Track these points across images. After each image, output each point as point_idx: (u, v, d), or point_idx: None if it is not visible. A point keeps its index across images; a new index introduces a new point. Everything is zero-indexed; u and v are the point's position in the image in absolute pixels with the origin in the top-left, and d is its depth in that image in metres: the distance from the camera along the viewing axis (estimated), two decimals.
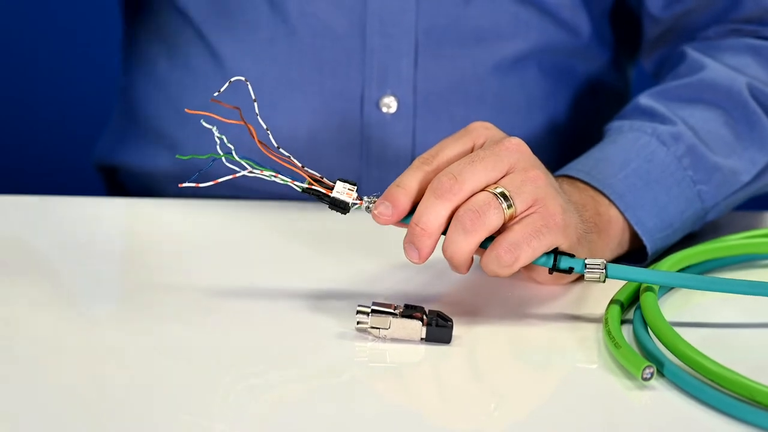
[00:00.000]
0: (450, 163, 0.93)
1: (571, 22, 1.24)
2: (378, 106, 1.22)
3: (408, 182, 0.92)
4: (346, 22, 1.20)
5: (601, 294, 0.95)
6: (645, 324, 0.88)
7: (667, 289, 0.97)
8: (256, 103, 0.94)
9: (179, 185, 0.92)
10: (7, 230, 1.09)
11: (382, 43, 1.21)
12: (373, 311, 0.87)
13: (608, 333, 0.87)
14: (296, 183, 0.92)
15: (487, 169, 0.91)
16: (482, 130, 0.95)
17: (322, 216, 1.04)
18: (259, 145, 0.93)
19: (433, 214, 0.90)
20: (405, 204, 0.91)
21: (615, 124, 1.12)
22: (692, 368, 0.82)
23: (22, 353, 0.84)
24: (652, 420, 0.79)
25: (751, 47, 1.17)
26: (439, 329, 0.87)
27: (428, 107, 1.23)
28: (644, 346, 0.86)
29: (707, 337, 0.90)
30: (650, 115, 1.11)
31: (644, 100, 1.13)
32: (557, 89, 1.26)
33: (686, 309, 0.97)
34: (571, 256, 0.92)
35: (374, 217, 0.92)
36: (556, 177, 1.05)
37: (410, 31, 1.21)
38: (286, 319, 0.92)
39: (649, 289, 0.91)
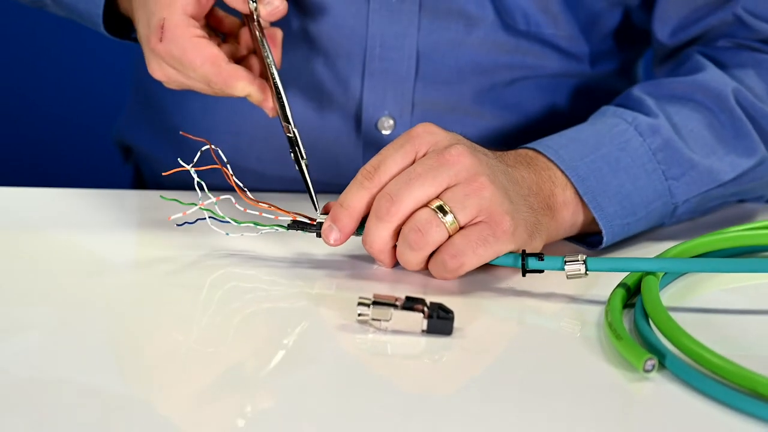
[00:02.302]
0: (392, 176, 0.96)
1: (570, 50, 1.24)
2: (376, 127, 1.23)
3: (351, 202, 0.96)
4: (348, 45, 1.21)
5: (603, 282, 0.95)
6: (646, 315, 0.88)
7: (671, 278, 0.97)
8: (229, 165, 0.99)
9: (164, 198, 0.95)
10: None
11: (381, 66, 1.21)
12: (375, 303, 0.87)
13: (609, 324, 0.87)
14: (280, 224, 0.99)
15: (424, 186, 0.95)
16: (425, 136, 0.98)
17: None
18: (239, 192, 0.99)
19: (376, 235, 0.96)
20: (350, 226, 0.97)
21: (602, 108, 1.13)
22: (694, 360, 0.82)
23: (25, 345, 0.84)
24: (653, 412, 0.79)
25: (756, 60, 1.17)
26: (440, 321, 0.87)
27: None
28: (645, 338, 0.86)
29: (709, 328, 0.90)
30: (638, 105, 1.12)
31: (637, 91, 1.14)
32: (557, 106, 1.26)
33: (689, 298, 0.97)
34: (539, 256, 0.95)
35: (324, 240, 0.97)
36: (519, 150, 1.06)
37: (410, 56, 1.21)
38: (288, 310, 0.92)
39: (649, 277, 0.92)
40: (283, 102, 1.05)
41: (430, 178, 0.95)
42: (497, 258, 0.96)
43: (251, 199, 0.99)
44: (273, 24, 1.12)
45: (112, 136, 1.42)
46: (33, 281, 0.96)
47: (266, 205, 0.99)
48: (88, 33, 1.29)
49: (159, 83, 1.25)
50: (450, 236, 0.95)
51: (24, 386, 0.78)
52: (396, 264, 0.99)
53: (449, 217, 0.94)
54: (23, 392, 0.77)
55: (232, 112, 1.26)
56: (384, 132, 1.23)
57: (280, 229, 0.99)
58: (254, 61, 1.11)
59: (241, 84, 1.04)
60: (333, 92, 1.23)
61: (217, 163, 0.99)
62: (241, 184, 0.99)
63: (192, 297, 0.94)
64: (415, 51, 1.21)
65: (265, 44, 1.06)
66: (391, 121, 1.23)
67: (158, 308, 0.92)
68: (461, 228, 0.95)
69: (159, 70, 1.07)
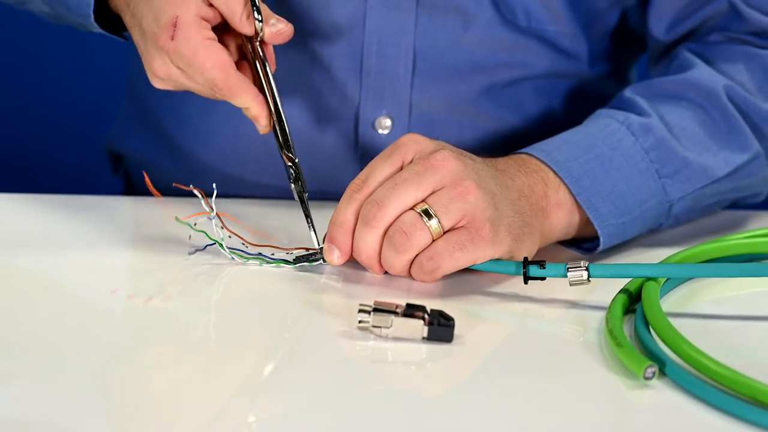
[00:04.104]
0: (380, 185, 0.97)
1: (570, 49, 1.24)
2: (373, 126, 1.23)
3: (344, 218, 0.97)
4: (344, 43, 1.21)
5: (605, 287, 0.95)
6: (646, 322, 0.88)
7: (672, 285, 0.97)
8: (221, 217, 1.00)
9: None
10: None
11: (378, 64, 1.21)
12: (375, 310, 0.87)
13: (610, 332, 0.87)
14: (285, 260, 1.01)
15: (409, 190, 0.96)
16: (411, 145, 0.99)
17: (323, 215, 1.04)
18: (239, 238, 1.02)
19: (363, 242, 0.96)
20: (348, 242, 0.98)
21: (595, 112, 1.13)
22: (694, 367, 0.82)
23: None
24: (653, 419, 0.79)
25: (746, 55, 1.17)
26: (440, 328, 0.87)
27: (423, 128, 1.23)
28: (646, 345, 0.86)
29: (710, 335, 0.90)
30: (630, 106, 1.12)
31: (628, 92, 1.14)
32: (553, 107, 1.26)
33: (690, 305, 0.97)
34: (540, 264, 0.95)
35: (328, 261, 0.98)
36: (512, 155, 1.07)
37: (408, 53, 1.21)
38: (288, 317, 0.92)
39: (650, 284, 0.92)
40: (285, 131, 1.04)
41: (416, 183, 0.96)
42: (498, 266, 0.97)
43: (252, 243, 1.02)
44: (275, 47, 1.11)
45: (104, 146, 1.41)
46: (33, 282, 0.96)
47: (268, 246, 1.02)
48: (78, 42, 1.28)
49: (154, 88, 1.25)
50: (433, 240, 0.95)
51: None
52: (386, 271, 0.99)
53: (434, 221, 0.95)
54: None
55: (230, 114, 1.25)
56: (381, 132, 1.23)
57: (286, 266, 1.01)
58: (246, 66, 1.10)
59: (244, 97, 1.04)
60: (331, 92, 1.22)
61: (211, 211, 1.00)
62: (237, 234, 1.00)
63: (190, 303, 0.94)
64: (412, 48, 1.21)
65: (268, 69, 1.05)
66: (389, 121, 1.23)
67: (157, 312, 0.92)
68: (445, 232, 0.95)
69: (163, 68, 1.05)
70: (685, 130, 1.11)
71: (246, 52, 1.08)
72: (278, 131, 1.05)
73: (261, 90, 1.06)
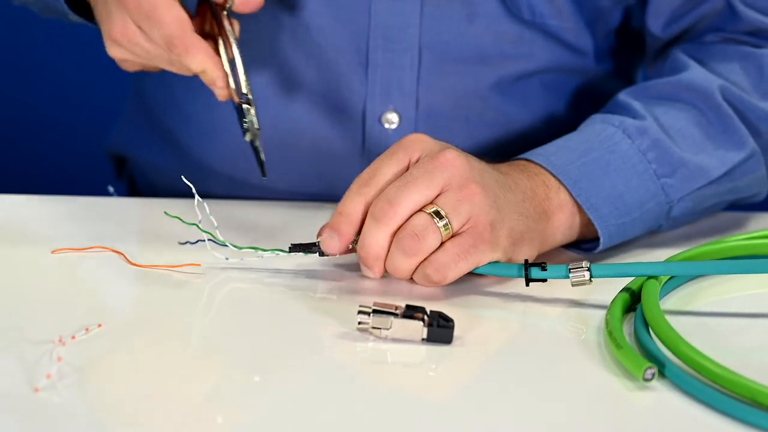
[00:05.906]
0: (387, 182, 0.97)
1: (575, 44, 1.24)
2: (380, 121, 1.23)
3: (350, 209, 0.97)
4: (350, 37, 1.21)
5: (607, 286, 0.95)
6: (646, 323, 0.88)
7: (672, 286, 0.97)
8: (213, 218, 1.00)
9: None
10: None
11: (385, 58, 1.21)
12: (375, 311, 0.87)
13: (609, 333, 0.87)
14: (280, 249, 1.00)
15: (420, 189, 0.96)
16: (417, 144, 0.99)
17: (323, 216, 1.04)
18: (230, 245, 1.01)
19: (373, 239, 0.96)
20: (349, 233, 0.97)
21: (590, 117, 1.13)
22: (694, 369, 0.82)
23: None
24: (653, 421, 0.79)
25: (742, 54, 1.17)
26: (440, 330, 0.87)
27: (430, 123, 1.23)
28: (645, 346, 0.86)
29: (710, 336, 0.90)
30: (625, 109, 1.12)
31: (623, 96, 1.14)
32: (560, 104, 1.26)
33: (691, 306, 0.97)
34: (542, 266, 0.95)
35: (323, 246, 0.98)
36: (512, 161, 1.07)
37: (413, 47, 1.21)
38: (288, 319, 0.92)
39: (650, 284, 0.92)
40: (238, 74, 1.05)
41: (426, 181, 0.96)
42: (500, 269, 0.97)
43: (244, 248, 1.00)
44: (247, 17, 1.11)
45: (105, 149, 1.41)
46: (31, 285, 0.96)
47: (261, 250, 1.01)
48: (80, 44, 1.28)
49: (160, 88, 1.24)
50: (442, 242, 0.95)
51: (14, 397, 0.78)
52: (383, 275, 0.98)
53: (443, 222, 0.95)
54: (13, 403, 0.77)
55: (233, 110, 1.25)
56: (388, 127, 1.23)
57: (281, 254, 1.00)
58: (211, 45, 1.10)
59: (200, 56, 1.04)
60: (337, 88, 1.22)
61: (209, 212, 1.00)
62: (228, 244, 1.00)
63: (190, 305, 0.94)
64: (417, 41, 1.21)
65: (231, 37, 1.06)
66: (396, 117, 1.23)
67: (158, 314, 0.92)
68: (453, 235, 0.96)
69: (120, 26, 1.05)
70: (681, 131, 1.11)
71: (213, 31, 1.08)
72: (234, 84, 1.05)
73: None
